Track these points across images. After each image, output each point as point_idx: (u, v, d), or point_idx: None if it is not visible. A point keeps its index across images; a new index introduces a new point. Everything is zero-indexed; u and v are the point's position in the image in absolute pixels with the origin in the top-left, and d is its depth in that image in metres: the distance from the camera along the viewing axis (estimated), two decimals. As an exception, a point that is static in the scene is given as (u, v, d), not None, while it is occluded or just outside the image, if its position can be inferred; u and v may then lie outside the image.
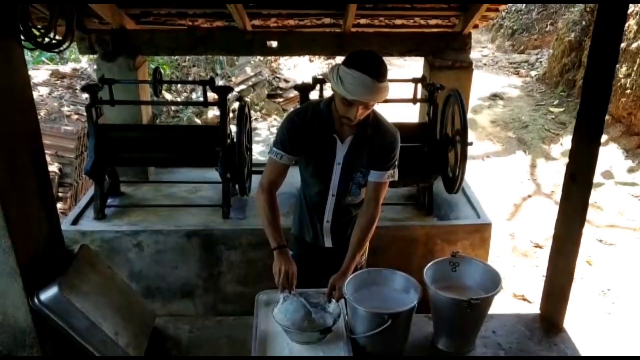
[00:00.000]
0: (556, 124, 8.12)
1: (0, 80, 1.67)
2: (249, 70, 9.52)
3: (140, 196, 4.07)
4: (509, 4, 11.20)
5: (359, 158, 2.39)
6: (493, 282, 2.14)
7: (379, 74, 2.11)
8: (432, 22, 4.13)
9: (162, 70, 4.30)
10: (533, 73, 10.60)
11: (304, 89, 3.62)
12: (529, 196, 6.35)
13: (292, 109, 9.45)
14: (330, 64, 11.68)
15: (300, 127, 2.35)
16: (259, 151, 7.50)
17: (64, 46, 1.99)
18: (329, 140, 2.36)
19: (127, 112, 4.02)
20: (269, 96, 9.47)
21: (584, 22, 9.03)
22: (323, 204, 2.50)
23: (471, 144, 3.34)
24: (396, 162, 2.42)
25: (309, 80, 3.72)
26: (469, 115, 3.89)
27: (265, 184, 2.40)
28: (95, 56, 4.10)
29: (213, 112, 8.29)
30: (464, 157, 3.34)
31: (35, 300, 1.78)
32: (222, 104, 3.62)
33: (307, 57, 11.45)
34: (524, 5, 12.53)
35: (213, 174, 3.84)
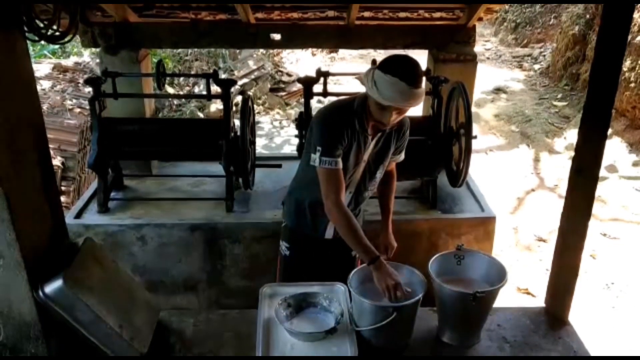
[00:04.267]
0: (560, 118, 8.10)
1: (5, 72, 1.66)
2: (251, 64, 9.50)
3: (143, 190, 4.07)
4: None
5: (384, 154, 2.45)
6: (498, 275, 2.13)
7: (415, 80, 2.10)
8: (436, 15, 4.11)
9: (164, 64, 4.28)
10: (536, 67, 10.57)
11: (307, 83, 3.60)
12: (533, 190, 6.34)
13: (294, 103, 9.44)
14: (333, 57, 11.67)
15: (341, 125, 2.28)
16: (262, 145, 7.50)
17: (68, 38, 1.99)
18: (364, 139, 2.36)
19: (130, 106, 4.01)
20: (272, 90, 9.46)
21: (587, 16, 8.99)
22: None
23: (475, 137, 3.33)
24: None
25: (311, 73, 3.70)
26: (473, 109, 3.87)
27: (336, 197, 2.26)
28: (98, 49, 4.09)
29: (216, 106, 8.28)
30: (468, 150, 3.33)
31: (40, 293, 1.79)
32: (225, 97, 3.61)
33: (309, 51, 11.43)
34: (528, -2, 12.46)
35: (216, 168, 3.83)
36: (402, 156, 2.62)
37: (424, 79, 2.22)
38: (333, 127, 2.27)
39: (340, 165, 2.28)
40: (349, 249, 2.49)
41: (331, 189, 2.27)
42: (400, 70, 2.09)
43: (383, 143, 2.42)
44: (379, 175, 2.52)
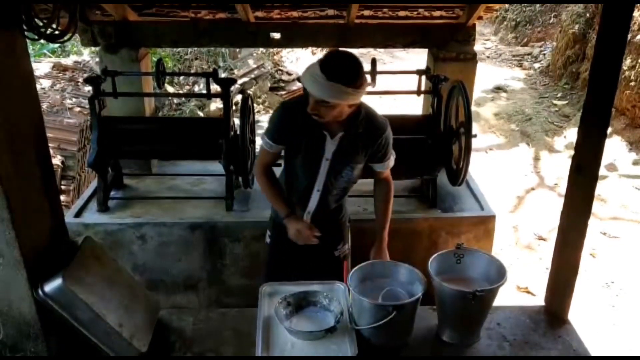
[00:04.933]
0: (560, 117, 8.09)
1: (4, 71, 1.66)
2: (251, 63, 9.49)
3: (143, 189, 4.07)
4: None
5: (350, 154, 2.43)
6: (498, 273, 2.13)
7: (334, 74, 2.10)
8: (436, 13, 4.10)
9: (164, 63, 4.28)
10: (536, 66, 10.55)
11: (307, 81, 3.60)
12: (533, 189, 6.34)
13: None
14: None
15: (290, 120, 2.40)
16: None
17: (67, 37, 1.99)
18: (318, 135, 2.38)
19: (129, 105, 4.01)
20: (272, 89, 9.45)
21: (588, 14, 8.97)
22: (307, 196, 2.55)
23: (475, 136, 3.33)
24: (392, 151, 2.54)
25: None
26: (473, 107, 3.87)
27: (261, 167, 2.56)
28: (98, 48, 4.09)
29: (216, 105, 8.27)
30: (468, 149, 3.33)
31: (40, 291, 1.79)
32: (225, 96, 3.61)
33: (309, 50, 11.42)
34: (528, -3, 12.45)
35: (216, 167, 3.83)
36: (385, 167, 2.55)
37: (358, 81, 2.15)
38: (277, 119, 2.45)
39: (276, 150, 2.49)
40: (331, 247, 2.68)
41: (260, 162, 2.56)
42: (325, 62, 2.14)
43: (347, 145, 2.40)
44: (349, 176, 2.50)
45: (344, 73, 2.13)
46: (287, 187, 2.61)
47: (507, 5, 12.82)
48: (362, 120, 2.37)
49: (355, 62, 2.18)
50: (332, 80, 2.10)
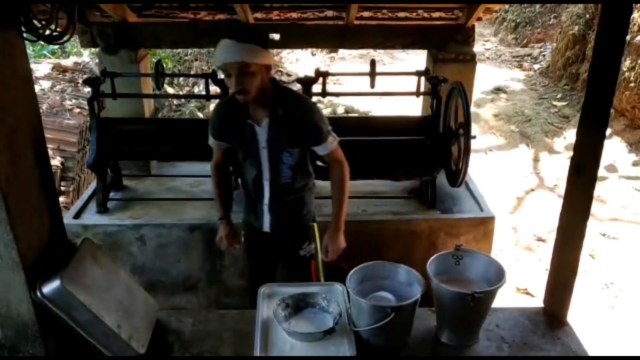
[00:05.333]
0: (559, 118, 8.09)
1: (2, 72, 1.66)
2: (251, 64, 9.48)
3: (142, 190, 4.07)
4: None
5: (281, 139, 2.46)
6: (497, 275, 2.13)
7: (236, 35, 2.21)
8: (436, 14, 4.11)
9: (164, 64, 4.28)
10: (536, 66, 10.56)
11: (306, 83, 3.60)
12: (532, 190, 6.33)
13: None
14: (333, 57, 11.66)
15: (222, 116, 2.54)
16: (262, 145, 7.49)
17: (65, 38, 1.99)
18: (247, 125, 2.45)
19: (129, 106, 4.01)
20: (271, 90, 9.44)
21: (587, 15, 8.98)
22: (260, 188, 2.61)
23: (474, 137, 3.32)
24: (328, 128, 2.50)
25: (311, 73, 3.70)
26: (472, 108, 3.87)
27: (212, 165, 2.73)
28: (97, 49, 4.09)
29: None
30: (467, 150, 3.32)
31: (38, 293, 1.78)
32: (224, 97, 3.61)
33: (309, 50, 11.43)
34: (528, -2, 12.46)
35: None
36: (326, 149, 2.51)
37: (266, 42, 2.29)
38: (213, 116, 2.60)
39: (219, 146, 2.65)
40: (296, 247, 2.74)
41: (212, 160, 2.73)
42: (231, 31, 2.25)
43: (275, 130, 2.44)
44: (289, 162, 2.52)
45: (251, 34, 2.28)
46: (242, 183, 2.73)
47: (506, 6, 12.83)
48: (280, 102, 2.41)
49: (253, 28, 2.29)
50: (243, 41, 2.19)
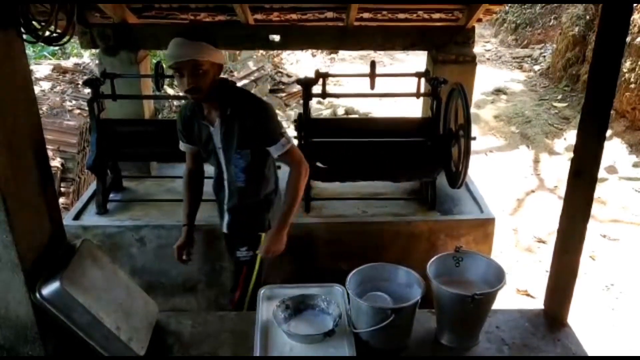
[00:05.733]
0: (560, 119, 8.09)
1: (2, 73, 1.66)
2: (251, 65, 9.50)
3: (142, 191, 4.06)
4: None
5: (232, 140, 2.47)
6: (497, 277, 2.13)
7: (191, 34, 2.24)
8: (436, 16, 4.11)
9: (164, 65, 4.28)
10: (536, 68, 10.56)
11: (306, 84, 3.60)
12: (532, 191, 6.33)
13: (294, 104, 9.45)
14: (333, 58, 11.67)
15: (183, 119, 2.58)
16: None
17: (65, 40, 1.98)
18: (203, 127, 2.49)
19: (129, 107, 4.00)
20: (272, 91, 9.45)
21: (587, 17, 8.98)
22: (222, 188, 2.67)
23: (474, 138, 3.32)
24: (281, 130, 2.49)
25: (311, 74, 3.70)
26: (472, 110, 3.87)
27: (185, 169, 2.79)
28: (97, 50, 4.09)
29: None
30: (467, 152, 3.32)
31: (37, 294, 1.78)
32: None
33: (309, 51, 11.43)
34: (528, -1, 12.45)
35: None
36: (279, 150, 2.46)
37: (207, 40, 2.27)
38: (177, 120, 2.65)
39: (187, 149, 2.70)
40: (236, 247, 2.74)
41: (185, 165, 2.78)
42: (181, 30, 2.29)
43: (227, 130, 2.45)
44: (243, 163, 2.52)
45: (202, 33, 2.29)
46: (212, 185, 2.75)
47: (507, 8, 12.84)
48: (230, 103, 2.41)
49: (203, 28, 2.32)
50: (194, 39, 2.22)
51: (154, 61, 4.58)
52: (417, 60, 9.08)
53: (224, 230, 2.77)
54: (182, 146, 2.70)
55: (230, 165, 2.55)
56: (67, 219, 3.51)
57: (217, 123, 2.45)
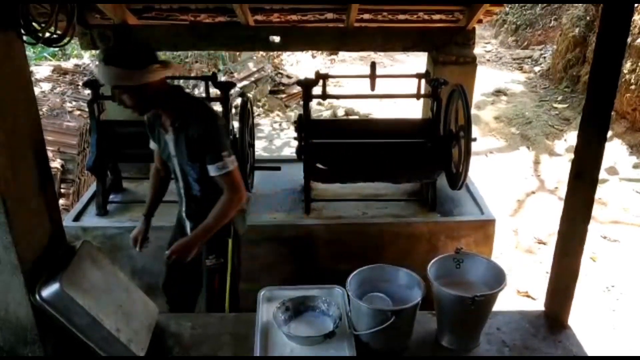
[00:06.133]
0: (560, 120, 8.09)
1: (2, 75, 1.65)
2: (251, 66, 9.49)
3: (142, 192, 4.05)
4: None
5: (182, 151, 2.46)
6: (497, 278, 2.12)
7: (107, 57, 2.16)
8: (436, 17, 4.11)
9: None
10: (537, 69, 10.56)
11: (307, 85, 3.60)
12: (533, 192, 6.32)
13: (294, 105, 9.46)
14: (333, 59, 11.67)
15: (149, 121, 2.59)
16: (262, 147, 7.49)
17: (65, 41, 1.98)
18: (161, 133, 2.51)
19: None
20: (272, 92, 9.45)
21: (588, 18, 8.98)
22: (179, 194, 2.70)
23: (475, 139, 3.32)
24: (223, 151, 2.37)
25: (311, 75, 3.70)
26: (473, 111, 3.86)
27: (152, 167, 2.83)
28: (98, 51, 4.08)
29: (215, 108, 8.27)
30: (468, 153, 3.32)
31: (37, 296, 1.78)
32: (224, 99, 3.60)
33: (310, 53, 11.43)
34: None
35: (215, 170, 3.82)
36: (215, 170, 2.38)
37: (129, 63, 2.15)
38: (145, 118, 2.60)
39: (152, 146, 2.70)
40: (203, 255, 2.69)
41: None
42: (104, 50, 2.28)
43: (178, 140, 2.45)
44: (193, 175, 2.53)
45: (117, 56, 2.16)
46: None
47: (507, 9, 12.84)
48: (178, 115, 2.40)
49: (129, 47, 2.23)
50: (108, 64, 2.15)
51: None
52: (418, 61, 9.07)
53: (187, 232, 2.72)
54: (151, 144, 2.71)
55: (185, 174, 2.55)
56: (67, 220, 3.51)
57: (171, 132, 2.45)
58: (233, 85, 3.81)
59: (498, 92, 9.36)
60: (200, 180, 2.52)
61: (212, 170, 2.38)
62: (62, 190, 5.24)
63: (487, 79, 9.38)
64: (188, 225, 2.73)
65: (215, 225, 2.47)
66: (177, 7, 3.91)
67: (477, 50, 4.78)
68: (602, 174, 6.13)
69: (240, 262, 2.82)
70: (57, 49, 8.31)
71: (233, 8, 3.67)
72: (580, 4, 9.33)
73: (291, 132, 7.83)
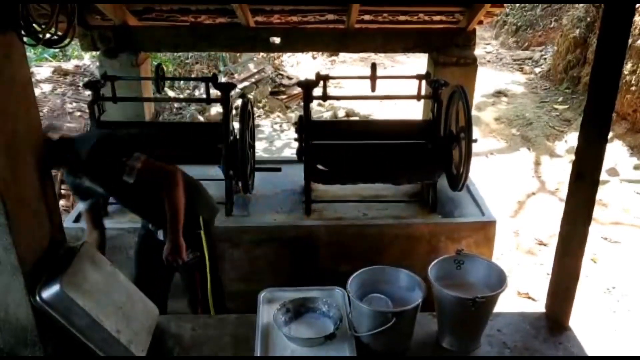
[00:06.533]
0: (560, 121, 8.08)
1: (2, 76, 1.66)
2: (252, 67, 9.49)
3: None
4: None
5: (96, 187, 2.57)
6: (498, 280, 2.12)
7: None
8: (436, 18, 4.11)
9: (164, 67, 4.28)
10: (537, 70, 10.55)
11: (307, 86, 3.60)
12: (533, 193, 6.32)
13: (294, 106, 9.46)
14: (333, 60, 11.67)
15: (70, 183, 2.67)
16: (263, 148, 7.49)
17: (65, 42, 1.98)
18: (81, 181, 2.56)
19: (129, 109, 4.00)
20: (272, 93, 9.45)
21: (588, 19, 8.97)
22: (138, 216, 2.86)
23: (475, 141, 3.32)
24: (120, 158, 2.37)
25: (312, 76, 3.70)
26: (473, 112, 3.86)
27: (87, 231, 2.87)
28: (98, 53, 4.09)
29: (216, 109, 8.27)
30: (468, 154, 3.31)
31: (37, 297, 1.78)
32: (224, 100, 3.60)
33: (310, 54, 11.43)
34: (528, 1, 12.44)
35: (216, 171, 3.82)
36: (128, 179, 2.37)
37: None
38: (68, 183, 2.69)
39: (81, 206, 2.78)
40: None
41: None
42: None
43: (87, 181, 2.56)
44: (128, 198, 2.69)
45: None
46: None
47: (507, 9, 12.83)
48: (67, 161, 2.41)
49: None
50: None
51: (155, 63, 4.58)
52: (418, 62, 9.06)
53: (161, 237, 2.69)
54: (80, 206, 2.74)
55: (122, 201, 2.69)
56: (68, 221, 3.51)
57: (83, 177, 2.50)
58: (233, 86, 3.81)
59: (498, 93, 9.36)
60: (137, 198, 2.60)
61: (129, 179, 2.35)
62: (62, 191, 5.24)
63: (487, 80, 9.37)
64: (160, 232, 2.73)
65: (177, 213, 2.44)
66: (177, 8, 3.92)
67: (478, 51, 4.78)
68: (603, 175, 6.09)
69: (216, 252, 2.86)
70: (57, 50, 8.32)
71: (234, 9, 3.67)
72: (581, 5, 9.33)
73: (291, 133, 7.82)
